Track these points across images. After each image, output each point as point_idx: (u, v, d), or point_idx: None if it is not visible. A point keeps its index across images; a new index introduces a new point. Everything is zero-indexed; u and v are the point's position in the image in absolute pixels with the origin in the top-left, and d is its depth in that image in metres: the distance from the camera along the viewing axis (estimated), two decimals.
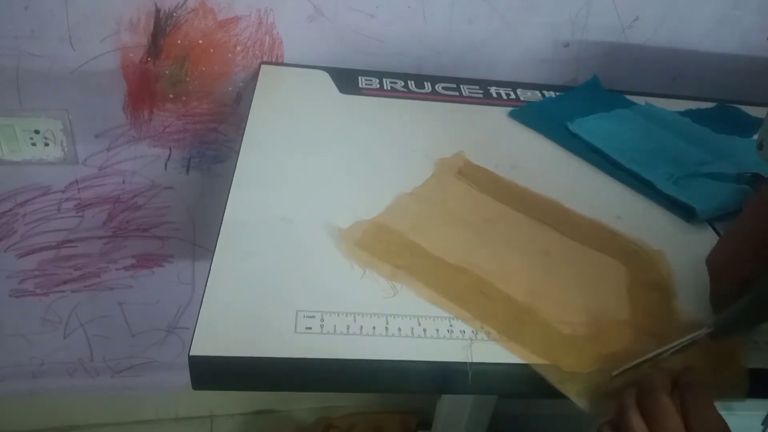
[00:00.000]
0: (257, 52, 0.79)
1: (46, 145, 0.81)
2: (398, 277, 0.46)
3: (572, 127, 0.70)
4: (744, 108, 0.81)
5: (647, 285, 0.50)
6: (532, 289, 0.47)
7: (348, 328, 0.43)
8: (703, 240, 0.57)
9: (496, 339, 0.43)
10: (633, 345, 0.44)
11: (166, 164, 0.86)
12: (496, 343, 0.43)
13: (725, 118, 0.79)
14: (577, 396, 0.41)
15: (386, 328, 0.43)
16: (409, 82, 0.78)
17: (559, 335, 0.44)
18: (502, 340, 0.43)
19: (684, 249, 0.54)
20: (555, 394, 0.43)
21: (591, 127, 0.70)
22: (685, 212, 0.59)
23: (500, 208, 0.56)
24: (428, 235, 0.51)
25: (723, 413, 0.39)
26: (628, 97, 0.80)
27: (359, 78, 0.77)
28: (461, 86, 0.79)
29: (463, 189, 0.58)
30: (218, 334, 0.41)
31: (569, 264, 0.51)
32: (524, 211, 0.56)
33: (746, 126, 0.76)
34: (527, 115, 0.72)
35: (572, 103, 0.76)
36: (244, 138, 0.62)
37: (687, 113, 0.78)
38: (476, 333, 0.43)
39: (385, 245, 0.49)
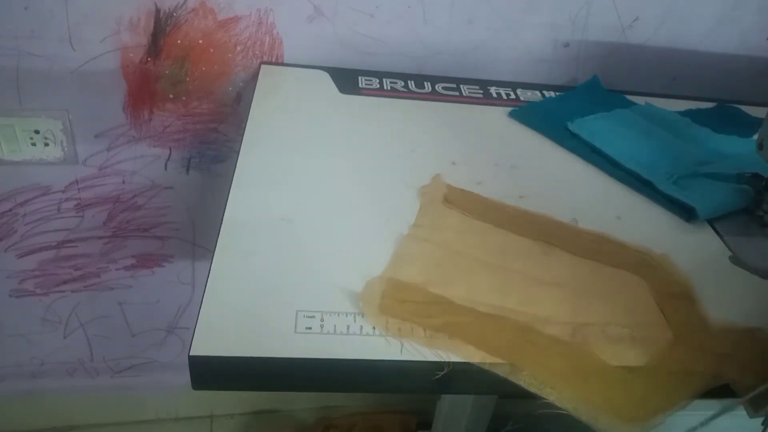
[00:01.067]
0: (257, 52, 0.79)
1: (46, 145, 0.81)
2: (437, 343, 0.42)
3: (572, 127, 0.70)
4: (744, 108, 0.81)
5: (673, 296, 0.49)
6: (571, 324, 0.45)
7: (348, 328, 0.43)
8: (703, 240, 0.57)
9: (558, 400, 0.41)
10: (693, 366, 0.43)
11: (166, 164, 0.86)
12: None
13: (725, 118, 0.79)
14: None
15: (386, 328, 0.43)
16: (409, 82, 0.78)
17: (621, 380, 0.42)
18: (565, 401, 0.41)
19: (684, 249, 0.54)
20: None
21: (591, 127, 0.70)
22: (685, 212, 0.59)
23: (504, 237, 0.53)
24: (447, 283, 0.47)
25: (723, 413, 0.39)
26: (628, 97, 0.80)
27: (359, 78, 0.77)
28: (461, 86, 0.79)
29: (459, 219, 0.54)
30: (218, 334, 0.41)
31: (593, 288, 0.49)
32: (528, 234, 0.54)
33: (746, 126, 0.76)
34: (527, 115, 0.72)
35: (572, 103, 0.76)
36: (244, 138, 0.62)
37: (687, 113, 0.78)
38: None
39: (410, 306, 0.45)
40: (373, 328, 0.43)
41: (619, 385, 0.42)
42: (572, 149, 0.68)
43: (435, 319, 0.44)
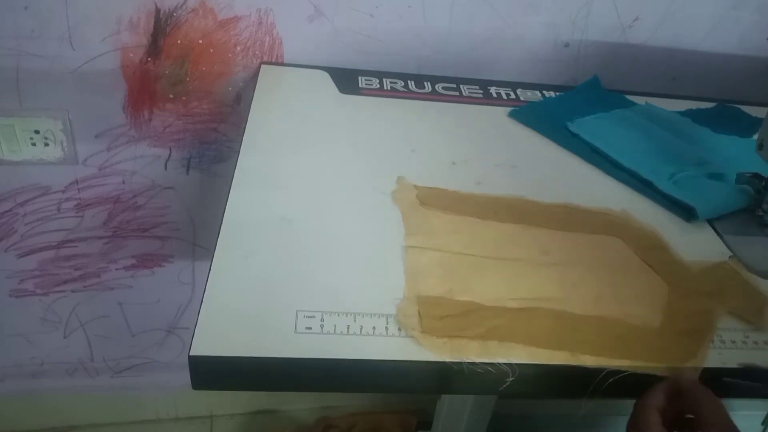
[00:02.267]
0: (257, 52, 0.79)
1: (46, 145, 0.81)
2: (490, 351, 0.43)
3: (572, 127, 0.70)
4: (744, 108, 0.81)
5: (649, 248, 0.54)
6: (594, 299, 0.48)
7: (348, 328, 0.43)
8: (703, 240, 0.57)
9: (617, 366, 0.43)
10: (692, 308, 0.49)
11: (166, 164, 0.86)
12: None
13: (725, 118, 0.79)
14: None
15: (386, 328, 0.43)
16: (409, 82, 0.78)
17: (658, 336, 0.46)
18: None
19: (684, 249, 0.55)
20: (555, 394, 0.43)
21: (591, 127, 0.70)
22: (685, 212, 0.59)
23: (489, 228, 0.55)
24: (467, 288, 0.48)
25: None
26: (628, 97, 0.80)
27: (359, 78, 0.77)
28: (461, 86, 0.79)
29: (442, 219, 0.55)
30: (218, 334, 0.41)
31: (586, 260, 0.52)
32: (506, 218, 0.56)
33: (746, 126, 0.76)
34: (527, 115, 0.72)
35: (572, 103, 0.76)
36: (244, 138, 0.62)
37: (687, 113, 0.78)
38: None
39: (449, 321, 0.45)
40: (373, 328, 0.43)
41: (650, 336, 0.46)
42: (572, 149, 0.68)
43: (477, 328, 0.44)
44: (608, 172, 0.65)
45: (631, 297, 0.49)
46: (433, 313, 0.45)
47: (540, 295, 0.48)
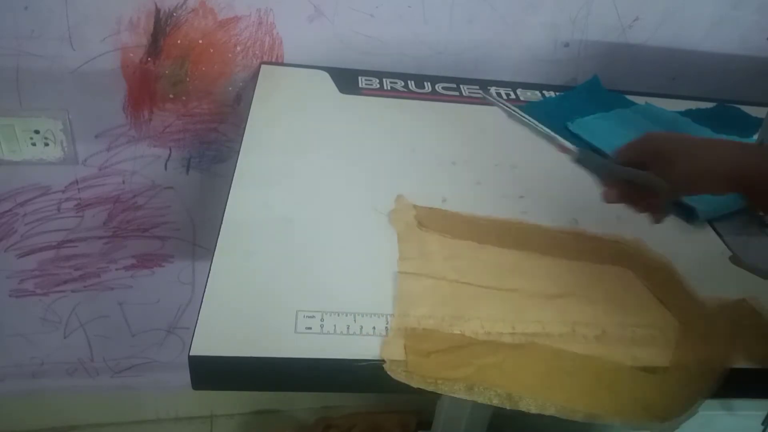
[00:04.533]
0: (257, 52, 0.79)
1: (46, 145, 0.81)
2: (476, 393, 0.42)
3: (572, 127, 0.70)
4: (744, 108, 0.81)
5: (662, 283, 0.51)
6: (598, 336, 0.45)
7: (348, 328, 0.43)
8: (703, 240, 0.57)
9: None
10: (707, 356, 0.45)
11: (166, 164, 0.86)
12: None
13: (725, 118, 0.79)
14: None
15: (386, 328, 0.43)
16: (409, 82, 0.78)
17: (649, 382, 0.44)
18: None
19: (684, 249, 0.54)
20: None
21: (591, 126, 0.70)
22: (685, 212, 0.59)
23: (489, 253, 0.52)
24: (460, 318, 0.45)
25: (723, 413, 0.39)
26: (628, 97, 0.80)
27: (359, 78, 0.77)
28: (461, 86, 0.79)
29: (439, 244, 0.52)
30: (218, 334, 0.41)
31: (593, 291, 0.50)
32: (508, 244, 0.53)
33: (746, 126, 0.76)
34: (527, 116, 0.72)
35: (572, 103, 0.76)
36: (244, 138, 0.62)
37: (687, 113, 0.78)
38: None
39: (436, 358, 0.43)
40: (373, 328, 0.43)
41: (648, 386, 0.43)
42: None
43: (465, 368, 0.42)
44: None
45: (638, 336, 0.46)
46: (421, 348, 0.43)
47: (538, 330, 0.45)
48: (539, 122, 0.68)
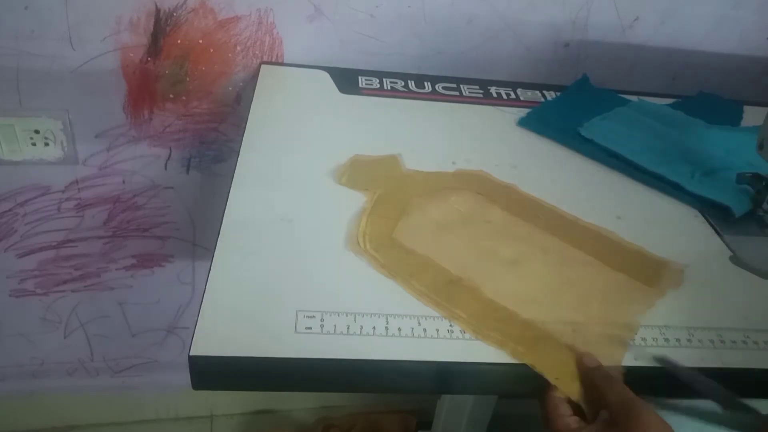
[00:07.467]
0: (257, 52, 0.79)
1: (46, 145, 0.81)
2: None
3: (584, 131, 0.69)
4: (744, 108, 0.81)
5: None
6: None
7: (348, 328, 0.43)
8: (703, 240, 0.57)
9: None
10: None
11: (166, 164, 0.86)
12: None
13: (708, 106, 0.79)
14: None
15: (386, 328, 0.43)
16: (409, 82, 0.78)
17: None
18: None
19: (684, 249, 0.54)
20: None
21: (602, 129, 0.70)
22: (719, 212, 0.59)
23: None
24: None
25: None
26: (629, 97, 0.80)
27: (359, 78, 0.77)
28: (461, 86, 0.79)
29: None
30: (218, 334, 0.41)
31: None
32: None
33: (730, 113, 0.78)
34: (537, 123, 0.71)
35: (571, 106, 0.76)
36: (244, 138, 0.62)
37: (674, 106, 0.78)
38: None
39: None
40: (373, 328, 0.43)
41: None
42: (575, 149, 0.68)
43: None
44: (614, 168, 0.65)
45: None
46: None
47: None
48: (557, 140, 0.68)
